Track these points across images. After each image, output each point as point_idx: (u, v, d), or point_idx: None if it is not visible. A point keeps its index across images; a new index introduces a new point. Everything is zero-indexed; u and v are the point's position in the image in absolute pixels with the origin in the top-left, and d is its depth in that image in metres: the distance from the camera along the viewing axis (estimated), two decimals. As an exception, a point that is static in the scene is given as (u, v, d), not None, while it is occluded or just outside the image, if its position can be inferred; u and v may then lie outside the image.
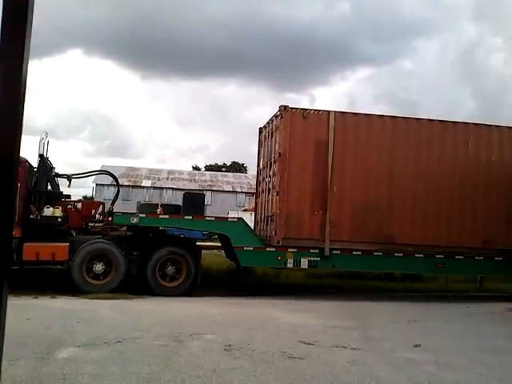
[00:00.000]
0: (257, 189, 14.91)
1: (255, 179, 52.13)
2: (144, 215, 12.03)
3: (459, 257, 12.59)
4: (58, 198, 12.21)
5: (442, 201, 12.75)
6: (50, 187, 12.43)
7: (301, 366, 6.18)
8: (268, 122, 13.69)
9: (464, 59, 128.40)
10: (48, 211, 11.53)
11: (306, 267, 12.49)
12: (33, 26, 1.15)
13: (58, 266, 11.46)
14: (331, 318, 9.74)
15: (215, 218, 13.34)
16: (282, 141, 12.32)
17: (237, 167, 72.49)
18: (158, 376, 5.49)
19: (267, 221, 13.06)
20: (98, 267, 11.52)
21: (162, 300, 11.25)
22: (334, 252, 12.25)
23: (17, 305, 9.59)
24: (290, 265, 12.31)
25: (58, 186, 12.64)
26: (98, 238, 11.99)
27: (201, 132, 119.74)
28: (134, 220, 11.83)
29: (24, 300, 10.09)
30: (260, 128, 14.61)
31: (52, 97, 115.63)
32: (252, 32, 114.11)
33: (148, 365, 5.86)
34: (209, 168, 70.61)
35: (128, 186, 44.62)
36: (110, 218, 12.02)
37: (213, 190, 48.58)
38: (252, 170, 70.56)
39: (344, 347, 7.25)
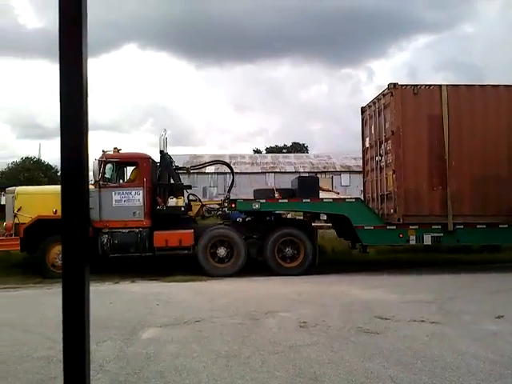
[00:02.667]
0: (364, 168, 14.95)
1: (316, 158, 51.14)
2: (264, 201, 12.49)
3: None
4: (180, 189, 13.09)
5: None
6: (172, 180, 13.23)
7: (378, 341, 6.11)
8: (373, 101, 13.65)
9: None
10: (172, 201, 12.43)
11: (430, 243, 12.46)
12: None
13: (186, 251, 12.21)
14: (407, 293, 9.55)
15: (333, 199, 13.61)
16: (394, 119, 12.27)
17: (297, 147, 72.06)
18: (237, 353, 5.61)
19: (382, 199, 13.13)
20: (221, 251, 12.23)
21: (238, 281, 11.46)
22: (458, 227, 12.15)
23: (100, 290, 10.12)
24: (412, 242, 12.36)
25: (179, 177, 13.46)
26: (219, 224, 12.84)
27: (259, 115, 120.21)
28: (256, 206, 12.38)
29: (106, 285, 10.66)
30: (362, 107, 14.62)
31: (112, 92, 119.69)
32: (301, 10, 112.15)
33: (226, 342, 6.02)
34: (270, 150, 70.66)
35: (193, 173, 45.24)
36: (233, 205, 12.65)
37: (275, 172, 48.60)
38: (313, 150, 69.97)
39: (422, 321, 7.10)
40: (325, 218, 14.34)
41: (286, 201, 12.67)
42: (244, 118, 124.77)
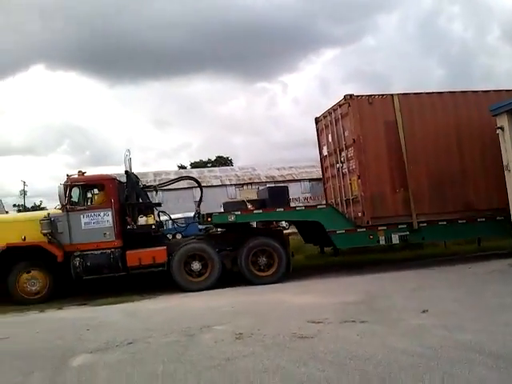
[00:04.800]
0: (323, 175, 15.38)
1: (241, 170, 51.00)
2: (239, 212, 12.62)
3: None
4: (149, 207, 13.04)
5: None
6: (140, 199, 13.10)
7: (312, 345, 6.22)
8: (329, 112, 14.13)
9: (425, 29, 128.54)
10: (142, 220, 12.41)
11: (398, 242, 13.12)
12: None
13: (160, 268, 12.16)
14: (337, 296, 9.78)
15: (305, 206, 14.21)
16: (353, 127, 12.81)
17: (222, 161, 72.25)
18: (173, 371, 5.51)
19: (347, 203, 13.45)
20: (195, 265, 12.27)
21: (170, 298, 11.30)
22: (422, 225, 12.81)
23: (25, 320, 9.64)
24: (382, 242, 12.91)
25: (147, 196, 13.42)
26: (192, 239, 12.86)
27: (180, 131, 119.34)
28: (232, 218, 12.48)
29: (32, 314, 10.17)
30: (317, 117, 15.08)
31: (24, 115, 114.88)
32: (214, 27, 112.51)
33: (161, 362, 5.89)
34: (194, 165, 70.26)
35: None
36: (209, 219, 12.68)
37: (202, 186, 48.42)
38: (237, 162, 70.36)
39: (353, 321, 7.32)
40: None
41: (261, 211, 12.89)
42: (165, 134, 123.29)
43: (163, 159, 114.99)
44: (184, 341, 6.87)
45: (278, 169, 50.54)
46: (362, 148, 12.73)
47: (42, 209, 57.83)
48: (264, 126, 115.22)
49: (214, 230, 15.71)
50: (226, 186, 47.60)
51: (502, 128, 12.11)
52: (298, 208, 13.71)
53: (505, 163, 12.18)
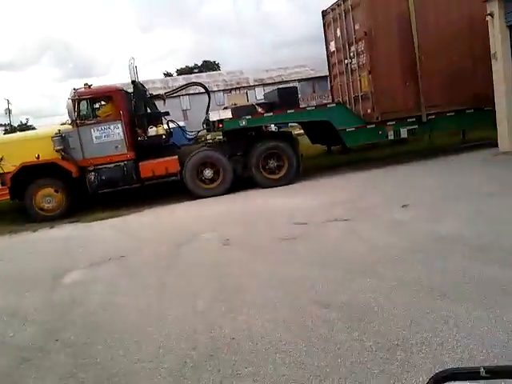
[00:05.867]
0: (330, 72, 15.09)
1: (229, 75, 49.43)
2: (250, 117, 12.50)
3: None
4: (158, 117, 12.90)
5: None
6: (148, 109, 12.93)
7: (295, 245, 6.48)
8: (337, 3, 13.54)
9: None
10: (152, 131, 12.36)
11: (406, 136, 13.24)
12: None
13: (173, 178, 12.51)
14: (327, 196, 9.90)
15: (315, 106, 14.17)
16: (365, 19, 12.41)
17: (209, 66, 70.24)
18: (164, 281, 5.75)
19: (356, 100, 13.37)
20: (208, 173, 12.42)
21: (159, 210, 11.36)
22: (430, 117, 12.88)
23: (18, 241, 9.85)
24: (390, 137, 13.06)
25: (155, 106, 13.19)
26: (202, 147, 12.91)
27: (165, 36, 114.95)
28: (243, 122, 12.40)
29: (25, 235, 10.33)
30: (323, 11, 14.54)
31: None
32: None
33: (152, 273, 6.14)
34: (180, 72, 68.36)
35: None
36: (220, 125, 12.59)
37: (189, 94, 47.45)
38: (225, 66, 68.55)
39: (336, 220, 7.53)
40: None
41: (271, 114, 12.73)
42: (150, 40, 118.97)
43: (149, 67, 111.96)
44: (174, 250, 7.09)
45: (267, 71, 49.34)
46: (374, 41, 12.39)
47: (29, 127, 56.77)
48: (253, 26, 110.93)
49: (204, 138, 15.58)
50: (213, 92, 46.57)
51: (491, 14, 11.65)
52: (308, 108, 13.58)
53: (492, 51, 11.82)
